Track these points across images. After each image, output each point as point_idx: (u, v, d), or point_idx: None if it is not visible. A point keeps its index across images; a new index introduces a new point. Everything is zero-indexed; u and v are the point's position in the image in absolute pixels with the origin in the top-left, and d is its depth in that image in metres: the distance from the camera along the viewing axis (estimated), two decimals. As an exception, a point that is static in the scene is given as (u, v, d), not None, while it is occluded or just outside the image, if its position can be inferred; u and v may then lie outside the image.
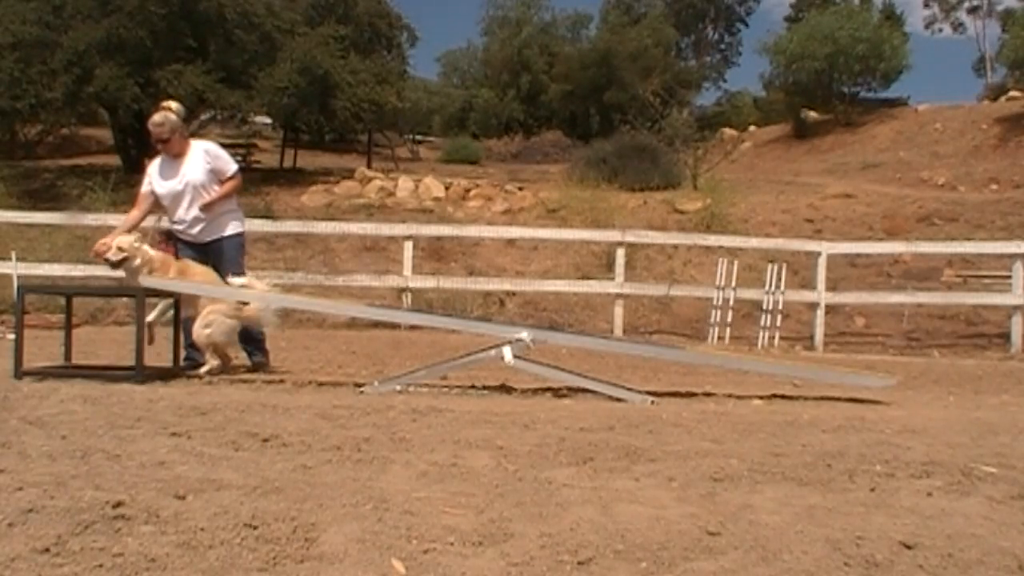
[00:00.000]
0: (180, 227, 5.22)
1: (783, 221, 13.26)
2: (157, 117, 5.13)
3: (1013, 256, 9.49)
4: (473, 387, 4.66)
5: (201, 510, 2.04)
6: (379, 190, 15.03)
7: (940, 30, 45.55)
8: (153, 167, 5.23)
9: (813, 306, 9.62)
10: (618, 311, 9.54)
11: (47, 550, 1.74)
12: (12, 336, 5.46)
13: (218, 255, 5.22)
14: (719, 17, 44.15)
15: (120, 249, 4.83)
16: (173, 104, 5.28)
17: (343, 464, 2.62)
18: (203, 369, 4.87)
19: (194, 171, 5.16)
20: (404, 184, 15.36)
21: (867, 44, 24.57)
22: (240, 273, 5.08)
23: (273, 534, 1.91)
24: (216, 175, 5.22)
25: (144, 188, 5.21)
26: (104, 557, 1.73)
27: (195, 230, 5.20)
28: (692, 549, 1.93)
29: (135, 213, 5.22)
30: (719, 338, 9.46)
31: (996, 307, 9.84)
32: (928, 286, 10.51)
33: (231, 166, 5.32)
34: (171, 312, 4.96)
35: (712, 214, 12.91)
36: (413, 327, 8.46)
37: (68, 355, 5.01)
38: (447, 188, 15.27)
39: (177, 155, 5.15)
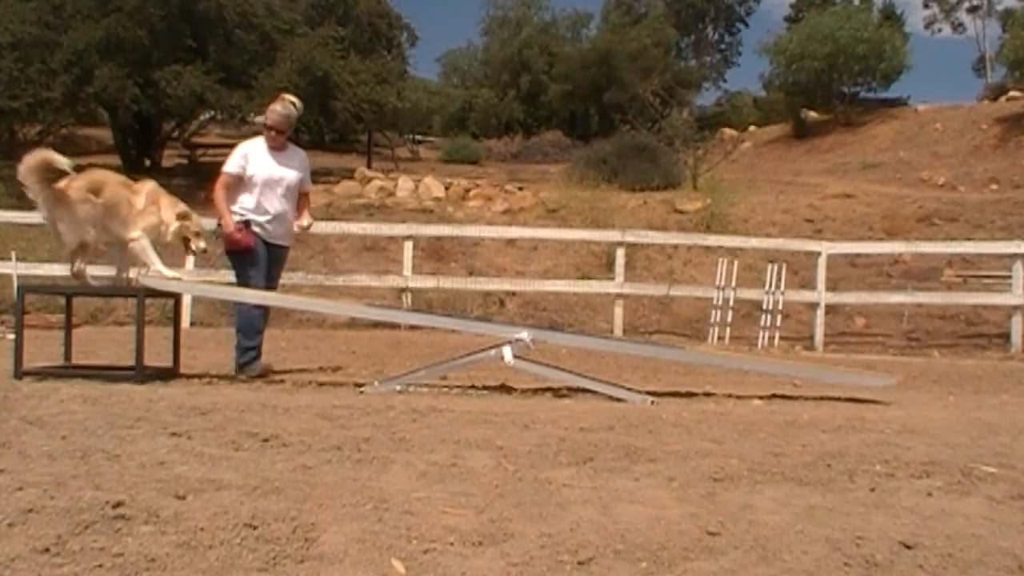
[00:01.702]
0: (262, 219, 5.13)
1: (783, 221, 13.26)
2: (284, 108, 5.15)
3: (1013, 256, 9.49)
4: (473, 387, 4.66)
5: (201, 510, 2.04)
6: (379, 190, 15.02)
7: (940, 30, 45.57)
8: (248, 151, 5.16)
9: (813, 306, 9.62)
10: (618, 311, 9.54)
11: (47, 550, 1.74)
12: (12, 336, 5.46)
13: (277, 260, 5.29)
14: (719, 17, 44.12)
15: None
16: (295, 99, 5.30)
17: (343, 464, 2.62)
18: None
19: (292, 170, 5.23)
20: (404, 184, 15.36)
21: (867, 44, 24.56)
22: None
23: (273, 534, 1.91)
24: (302, 184, 5.31)
25: (234, 170, 5.10)
26: (104, 557, 1.73)
27: (272, 226, 5.18)
28: (692, 549, 1.93)
29: (224, 195, 5.10)
30: (719, 338, 9.46)
31: (996, 307, 9.84)
32: (928, 286, 10.51)
33: (310, 183, 5.47)
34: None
35: (712, 214, 12.90)
36: (413, 327, 8.46)
37: (68, 355, 5.00)
38: (447, 188, 15.26)
39: (279, 149, 5.20)
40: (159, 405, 3.52)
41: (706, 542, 1.98)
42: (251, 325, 5.12)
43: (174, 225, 4.82)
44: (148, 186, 4.92)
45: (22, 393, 3.78)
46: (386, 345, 7.60)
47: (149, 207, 4.78)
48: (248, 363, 5.06)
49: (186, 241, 4.91)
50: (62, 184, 4.62)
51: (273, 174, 5.13)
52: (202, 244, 4.94)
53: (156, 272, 4.77)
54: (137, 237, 4.74)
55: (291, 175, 5.21)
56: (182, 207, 4.90)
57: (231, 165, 5.13)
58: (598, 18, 36.75)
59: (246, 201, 5.12)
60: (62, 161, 4.62)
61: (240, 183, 5.12)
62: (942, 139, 21.68)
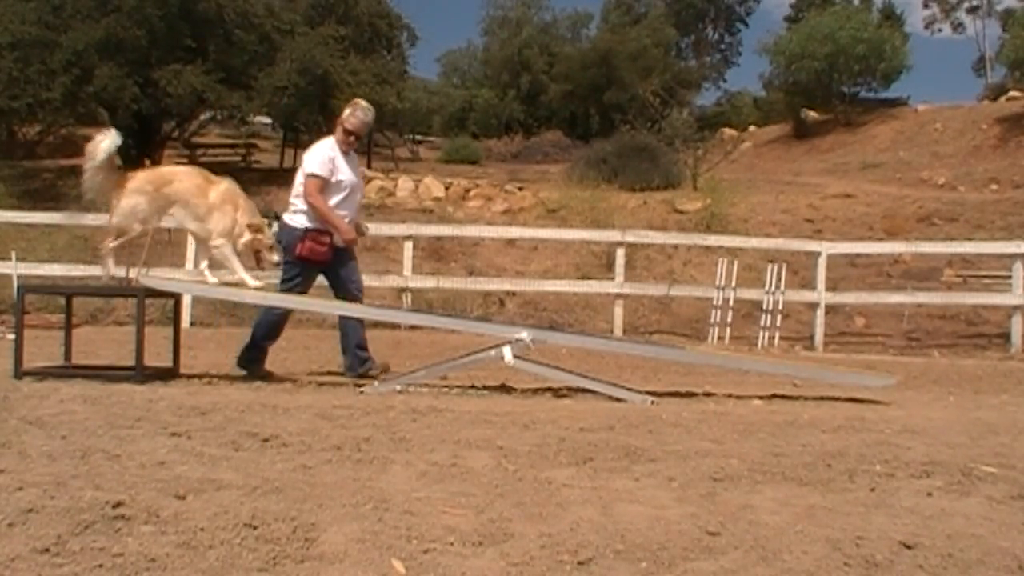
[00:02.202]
0: (317, 224, 4.99)
1: (783, 221, 13.26)
2: (365, 114, 5.12)
3: (1013, 256, 9.49)
4: (473, 387, 4.66)
5: (201, 510, 2.04)
6: (379, 190, 15.02)
7: (940, 30, 45.48)
8: (332, 155, 5.01)
9: (813, 306, 9.61)
10: (618, 311, 9.53)
11: (47, 550, 1.74)
12: (12, 336, 5.46)
13: (347, 261, 5.20)
14: (719, 17, 44.11)
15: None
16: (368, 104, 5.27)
17: (343, 464, 2.62)
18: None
19: (358, 173, 5.22)
20: (404, 184, 15.36)
21: (867, 44, 24.56)
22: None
23: (273, 534, 1.91)
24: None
25: (325, 173, 4.93)
26: (104, 557, 1.73)
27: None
28: (692, 549, 1.93)
29: (324, 200, 4.95)
30: (719, 338, 9.46)
31: (996, 307, 9.84)
32: (928, 286, 10.51)
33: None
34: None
35: (712, 214, 12.91)
36: (413, 327, 8.45)
37: (68, 355, 5.00)
38: (447, 188, 15.26)
39: (347, 153, 5.14)
40: (159, 405, 3.52)
41: (706, 542, 1.98)
42: (272, 328, 5.05)
43: (246, 236, 4.76)
44: (226, 184, 4.87)
45: (22, 393, 3.77)
46: (386, 345, 7.59)
47: (223, 206, 4.73)
48: (254, 362, 5.04)
49: (257, 253, 4.84)
50: (132, 174, 4.68)
51: (352, 179, 5.09)
52: (275, 257, 4.85)
53: (239, 279, 4.71)
54: (220, 245, 4.72)
55: (360, 181, 5.23)
56: (257, 219, 4.82)
57: (321, 168, 4.94)
58: (598, 18, 36.82)
59: (336, 205, 4.98)
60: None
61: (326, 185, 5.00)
62: (942, 139, 21.68)
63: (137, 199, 4.62)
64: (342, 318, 5.15)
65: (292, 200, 5.06)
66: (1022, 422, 3.83)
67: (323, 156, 4.99)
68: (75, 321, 5.80)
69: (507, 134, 28.83)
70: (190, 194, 4.71)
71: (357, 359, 5.06)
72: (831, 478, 2.59)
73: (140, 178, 4.68)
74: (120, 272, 4.88)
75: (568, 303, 10.48)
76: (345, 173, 5.04)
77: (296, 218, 4.97)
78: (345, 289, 5.11)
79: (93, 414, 3.28)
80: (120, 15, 14.09)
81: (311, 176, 4.94)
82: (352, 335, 5.09)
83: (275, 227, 5.13)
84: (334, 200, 4.98)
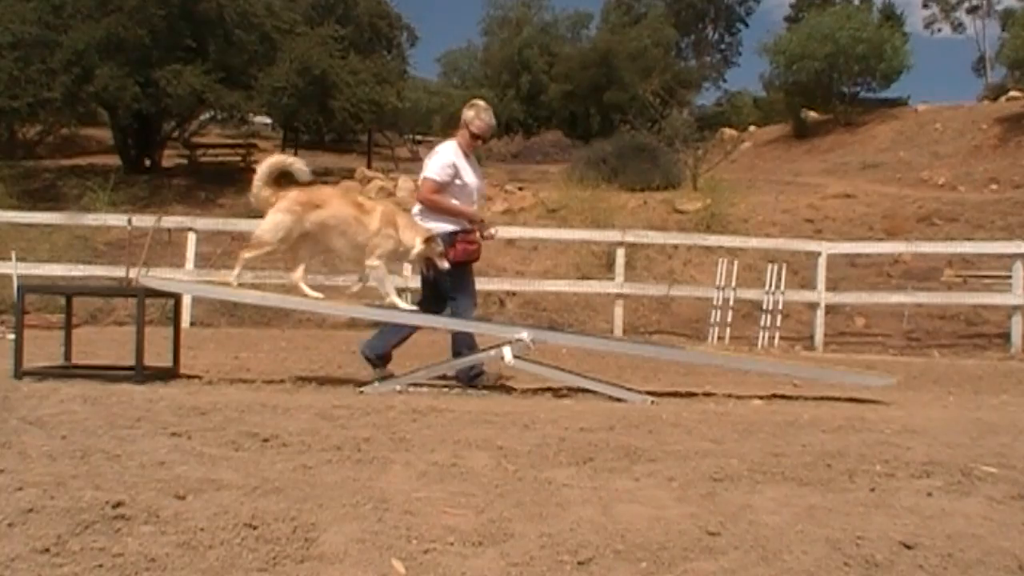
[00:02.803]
0: (464, 224, 4.99)
1: (783, 221, 13.25)
2: (490, 117, 5.08)
3: (1013, 256, 9.48)
4: (473, 387, 4.66)
5: (201, 510, 2.04)
6: (379, 190, 15.02)
7: (939, 30, 45.56)
8: (454, 159, 4.97)
9: (813, 306, 9.61)
10: (618, 311, 9.53)
11: (47, 550, 1.74)
12: (12, 336, 5.46)
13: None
14: (719, 17, 44.16)
15: None
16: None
17: (343, 464, 2.62)
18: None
19: (480, 174, 5.18)
20: (404, 184, 15.34)
21: (867, 44, 24.57)
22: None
23: (273, 534, 1.91)
24: None
25: (445, 178, 4.89)
26: (104, 557, 1.73)
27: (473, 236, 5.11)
28: (692, 549, 1.93)
29: (455, 203, 4.93)
30: (719, 338, 9.45)
31: (996, 307, 9.83)
32: (928, 286, 10.50)
33: None
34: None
35: (712, 214, 12.90)
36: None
37: (68, 355, 5.00)
38: (447, 188, 15.25)
39: (469, 155, 5.11)
40: (159, 405, 3.52)
41: (706, 542, 1.98)
42: (465, 342, 4.98)
43: (418, 248, 4.67)
44: (381, 206, 4.82)
45: (22, 393, 3.77)
46: (386, 345, 7.59)
47: (385, 229, 4.64)
48: (476, 376, 4.89)
49: (428, 261, 4.77)
50: (284, 193, 4.65)
51: (476, 181, 5.07)
52: (445, 264, 4.79)
53: (390, 303, 4.67)
54: (376, 266, 4.66)
55: (482, 182, 5.19)
56: (425, 230, 4.73)
57: (441, 173, 4.89)
58: (598, 18, 36.85)
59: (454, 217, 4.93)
60: (299, 170, 4.69)
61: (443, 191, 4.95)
62: (942, 139, 21.68)
63: (283, 217, 4.58)
64: (425, 311, 5.06)
65: (414, 209, 5.04)
66: (1022, 422, 3.83)
67: (445, 161, 4.93)
68: (75, 321, 5.80)
69: (507, 134, 28.82)
70: (347, 223, 4.62)
71: (467, 377, 4.93)
72: (831, 478, 2.59)
73: (291, 197, 4.64)
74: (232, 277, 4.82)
75: (568, 303, 10.47)
76: (469, 176, 5.02)
77: (435, 225, 4.88)
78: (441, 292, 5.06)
79: (93, 414, 3.28)
80: (121, 15, 14.10)
81: (428, 179, 4.92)
82: (462, 343, 4.98)
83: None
84: (459, 202, 4.96)
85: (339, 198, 4.83)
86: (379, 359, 4.96)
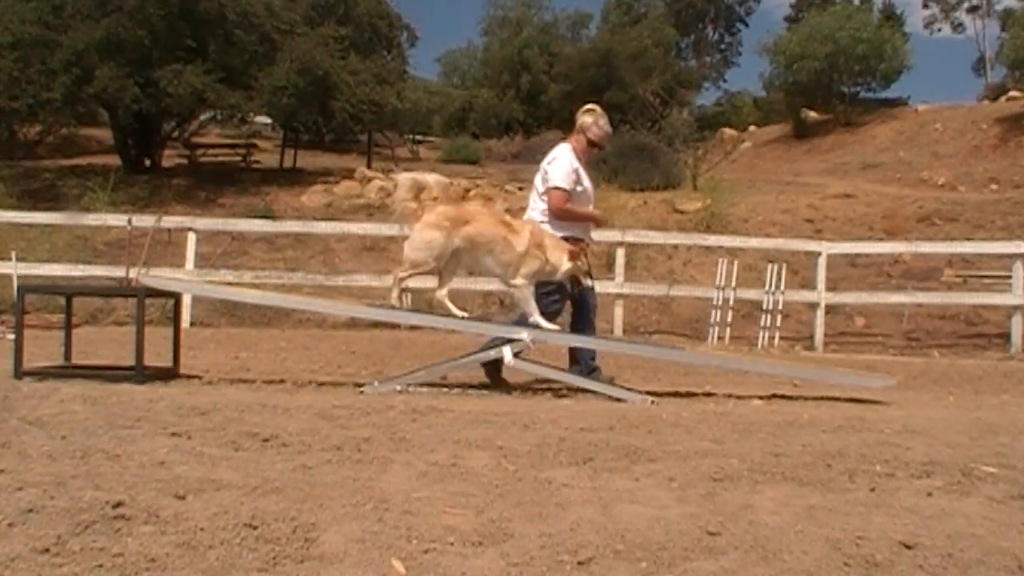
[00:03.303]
0: (577, 231, 5.00)
1: (783, 221, 13.26)
2: (607, 124, 5.07)
3: (1013, 256, 9.48)
4: (473, 387, 4.67)
5: (201, 510, 2.04)
6: (379, 190, 15.02)
7: (939, 30, 45.52)
8: (576, 166, 4.98)
9: (813, 306, 9.61)
10: (618, 311, 9.53)
11: (47, 550, 1.74)
12: (12, 336, 5.46)
13: None
14: (719, 17, 44.15)
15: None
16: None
17: (343, 464, 2.62)
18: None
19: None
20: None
21: (867, 44, 24.57)
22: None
23: (273, 534, 1.91)
24: None
25: (572, 186, 4.92)
26: (104, 557, 1.73)
27: (587, 240, 5.14)
28: (692, 549, 1.93)
29: (581, 211, 5.01)
30: (719, 338, 9.46)
31: (996, 307, 9.83)
32: (928, 286, 10.50)
33: None
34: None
35: (712, 214, 12.90)
36: (413, 327, 8.43)
37: (68, 355, 5.01)
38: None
39: (582, 159, 5.08)
40: (159, 405, 3.52)
41: (706, 542, 1.98)
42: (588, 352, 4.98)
43: (566, 266, 4.68)
44: (529, 226, 4.78)
45: (22, 393, 3.77)
46: (386, 345, 7.60)
47: (532, 250, 4.62)
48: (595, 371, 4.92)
49: (573, 279, 4.81)
50: (431, 207, 4.61)
51: (591, 187, 5.08)
52: (590, 282, 4.86)
53: (534, 323, 4.63)
54: (520, 285, 4.63)
55: (592, 186, 5.17)
56: (572, 249, 4.75)
57: (567, 181, 4.89)
58: (598, 18, 36.83)
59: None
60: (437, 183, 4.67)
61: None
62: (942, 139, 21.68)
63: (434, 234, 4.53)
64: (577, 328, 5.08)
65: (531, 214, 5.03)
66: (1022, 422, 3.83)
67: (568, 168, 4.93)
68: (75, 321, 5.80)
69: (507, 134, 28.84)
70: (494, 242, 4.57)
71: (588, 368, 4.95)
72: (831, 478, 2.59)
73: (438, 212, 4.59)
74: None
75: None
76: (586, 182, 5.03)
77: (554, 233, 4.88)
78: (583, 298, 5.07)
79: (93, 414, 3.28)
80: (121, 15, 14.11)
81: (558, 189, 4.88)
82: (585, 352, 4.98)
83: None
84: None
85: (487, 215, 4.86)
86: (593, 371, 4.95)
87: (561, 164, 4.93)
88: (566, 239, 4.82)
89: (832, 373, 4.65)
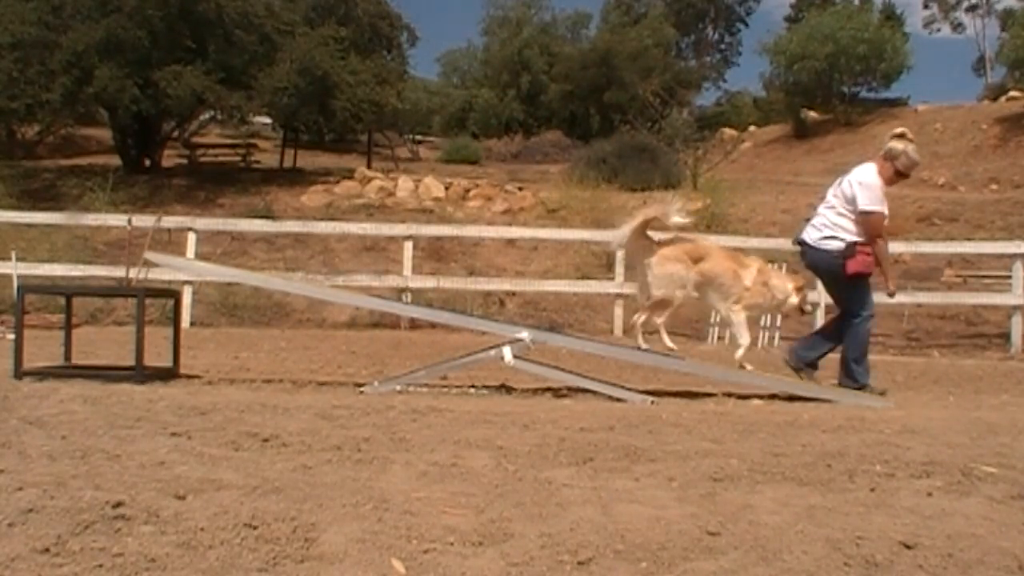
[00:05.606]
0: (868, 250, 4.94)
1: (783, 221, 13.25)
2: (918, 156, 5.01)
3: (1013, 256, 9.49)
4: (473, 387, 4.66)
5: (201, 510, 2.03)
6: (379, 190, 15.03)
7: (939, 30, 45.46)
8: (882, 187, 4.93)
9: (813, 306, 9.60)
10: (618, 311, 9.53)
11: (47, 550, 1.74)
12: (12, 336, 5.46)
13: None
14: (719, 17, 44.17)
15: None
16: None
17: (343, 464, 2.62)
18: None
19: None
20: (404, 184, 15.36)
21: (867, 44, 24.60)
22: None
23: (273, 534, 1.91)
24: None
25: (885, 210, 4.94)
26: (104, 557, 1.73)
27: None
28: (692, 549, 1.93)
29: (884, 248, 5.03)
30: (719, 338, 9.46)
31: (996, 307, 9.84)
32: (928, 286, 10.50)
33: None
34: None
35: (712, 214, 12.90)
36: (413, 327, 8.46)
37: (68, 355, 5.00)
38: (447, 188, 15.27)
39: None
40: (159, 405, 3.52)
41: (706, 542, 1.98)
42: (863, 345, 4.97)
43: (793, 299, 4.95)
44: (758, 263, 4.96)
45: (22, 393, 3.77)
46: (386, 345, 7.60)
47: (758, 287, 4.82)
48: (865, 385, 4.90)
49: (800, 307, 5.09)
50: (666, 243, 4.79)
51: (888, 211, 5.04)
52: (808, 308, 5.27)
53: (745, 344, 4.84)
54: (736, 311, 4.83)
55: None
56: (799, 279, 5.00)
57: (883, 205, 4.91)
58: (598, 18, 36.86)
59: (862, 234, 4.91)
60: (674, 219, 4.80)
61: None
62: (942, 139, 21.69)
63: (677, 267, 4.71)
64: (838, 331, 5.10)
65: (820, 225, 5.03)
66: (1022, 422, 3.82)
67: (878, 193, 4.89)
68: (75, 321, 5.80)
69: (507, 134, 28.84)
70: (724, 277, 4.80)
71: (849, 373, 4.95)
72: (831, 478, 2.59)
73: (676, 248, 4.78)
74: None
75: (568, 303, 10.48)
76: (886, 208, 4.98)
77: (831, 243, 4.92)
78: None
79: (93, 414, 3.28)
80: (120, 16, 14.10)
81: (877, 213, 4.88)
82: (850, 349, 4.97)
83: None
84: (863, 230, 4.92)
85: (719, 251, 5.02)
86: (808, 367, 5.03)
87: (872, 190, 4.88)
88: (853, 243, 4.86)
89: (832, 391, 4.73)
